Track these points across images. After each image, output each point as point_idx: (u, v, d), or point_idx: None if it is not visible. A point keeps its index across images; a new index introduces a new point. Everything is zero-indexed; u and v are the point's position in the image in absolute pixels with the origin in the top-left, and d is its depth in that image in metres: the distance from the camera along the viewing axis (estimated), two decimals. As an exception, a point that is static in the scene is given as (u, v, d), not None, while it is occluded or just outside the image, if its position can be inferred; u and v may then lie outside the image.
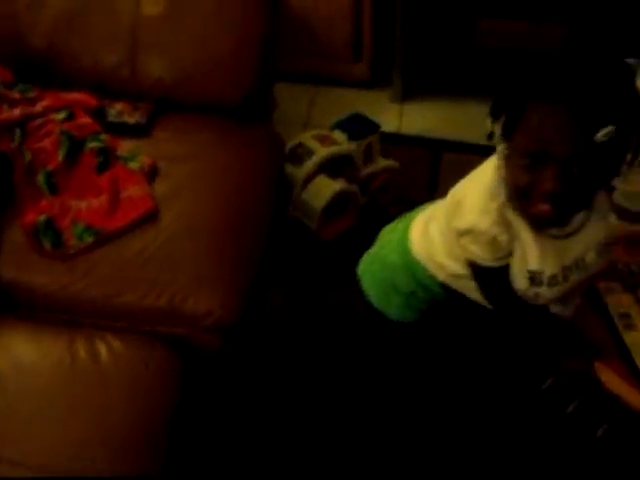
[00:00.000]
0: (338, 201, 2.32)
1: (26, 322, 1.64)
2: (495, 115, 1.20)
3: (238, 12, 2.01)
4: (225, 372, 1.75)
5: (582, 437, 1.57)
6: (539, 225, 1.27)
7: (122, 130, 2.01)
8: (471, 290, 1.44)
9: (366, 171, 2.48)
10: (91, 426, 1.43)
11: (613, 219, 1.21)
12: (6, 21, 2.07)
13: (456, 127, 2.81)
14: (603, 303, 1.53)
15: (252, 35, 2.01)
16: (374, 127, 2.46)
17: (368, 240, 1.67)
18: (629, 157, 1.20)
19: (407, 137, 2.83)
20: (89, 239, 1.73)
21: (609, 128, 1.07)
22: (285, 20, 2.85)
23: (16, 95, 1.98)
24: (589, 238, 1.35)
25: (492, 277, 1.35)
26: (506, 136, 1.19)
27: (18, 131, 1.89)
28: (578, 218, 1.32)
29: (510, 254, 1.31)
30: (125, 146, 1.95)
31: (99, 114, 2.03)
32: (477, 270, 1.36)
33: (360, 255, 1.66)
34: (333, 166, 2.36)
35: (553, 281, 1.34)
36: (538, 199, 1.17)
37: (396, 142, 2.75)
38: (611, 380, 1.44)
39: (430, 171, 2.67)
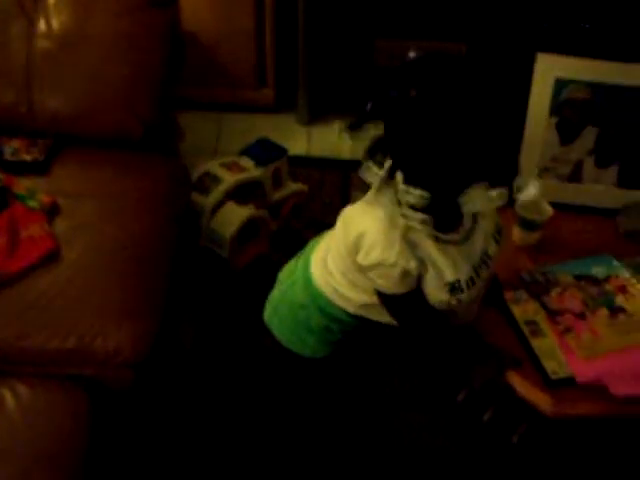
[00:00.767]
0: (248, 228, 2.31)
1: None
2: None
3: (133, 45, 1.99)
4: (139, 407, 1.71)
5: (499, 444, 1.61)
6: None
7: (19, 168, 1.95)
8: (383, 315, 1.46)
9: (276, 196, 2.47)
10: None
11: (495, 196, 1.22)
12: None
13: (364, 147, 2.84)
14: (510, 313, 1.57)
15: (148, 67, 1.99)
16: (281, 151, 2.47)
17: (282, 266, 1.66)
18: None
19: (316, 159, 2.85)
20: (-12, 282, 1.66)
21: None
22: (188, 49, 2.85)
23: None
24: (485, 232, 1.41)
25: (402, 302, 1.37)
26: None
27: None
28: (468, 217, 1.37)
29: (419, 280, 1.33)
30: (23, 184, 1.89)
31: (-5, 153, 1.97)
32: (386, 299, 1.38)
33: (274, 283, 1.65)
34: (242, 193, 2.34)
35: (470, 283, 1.38)
36: None
37: (305, 165, 2.77)
38: (520, 385, 1.47)
39: (341, 192, 2.69)
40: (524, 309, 1.58)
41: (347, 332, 1.55)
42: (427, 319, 1.40)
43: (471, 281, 1.38)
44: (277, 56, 2.98)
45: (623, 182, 1.87)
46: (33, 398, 1.50)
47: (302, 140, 2.96)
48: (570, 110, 1.82)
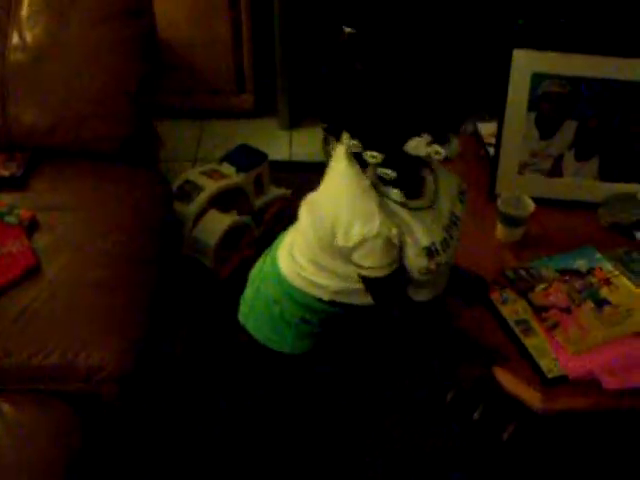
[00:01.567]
0: (232, 235, 2.29)
1: None
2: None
3: (108, 55, 1.98)
4: (128, 419, 1.69)
5: (489, 442, 1.60)
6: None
7: (-3, 183, 1.94)
8: (360, 297, 1.46)
9: (259, 202, 2.47)
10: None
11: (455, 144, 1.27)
12: None
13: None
14: (499, 313, 1.57)
15: (124, 77, 1.98)
16: (262, 157, 2.46)
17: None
18: None
19: (298, 163, 2.84)
20: (-31, 300, 1.64)
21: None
22: (166, 58, 2.84)
23: None
24: (449, 194, 1.45)
25: (388, 286, 1.39)
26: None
27: None
28: (429, 181, 1.42)
29: (399, 256, 1.35)
30: (1, 201, 1.88)
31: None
32: (371, 283, 1.39)
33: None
34: (224, 200, 2.33)
35: (445, 245, 1.41)
36: None
37: (287, 169, 2.76)
38: (509, 382, 1.47)
39: (324, 195, 2.68)
40: (512, 309, 1.58)
41: (325, 322, 1.55)
42: (408, 305, 1.42)
43: (445, 243, 1.41)
44: (255, 61, 2.98)
45: (604, 175, 1.87)
46: (17, 415, 1.48)
47: (284, 145, 2.96)
48: (548, 105, 1.82)
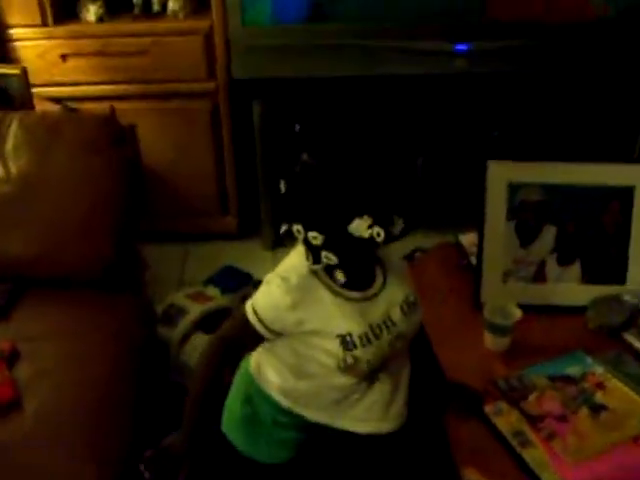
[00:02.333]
0: (219, 357, 2.26)
1: None
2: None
3: (90, 184, 2.02)
4: None
5: None
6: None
7: (-21, 317, 1.91)
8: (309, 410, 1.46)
9: (245, 322, 2.44)
10: None
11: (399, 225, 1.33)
12: None
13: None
14: (494, 426, 1.53)
15: (106, 205, 2.01)
16: (247, 278, 2.47)
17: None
18: None
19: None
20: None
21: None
22: (150, 184, 2.90)
23: None
24: (390, 297, 1.45)
25: (242, 333, 1.42)
26: None
27: None
28: (379, 281, 1.44)
29: (272, 334, 1.39)
30: (-18, 333, 1.85)
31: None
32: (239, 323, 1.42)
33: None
34: (209, 322, 2.32)
35: (364, 340, 1.39)
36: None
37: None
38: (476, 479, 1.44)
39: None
40: (507, 420, 1.54)
41: (302, 428, 1.50)
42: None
43: (366, 338, 1.39)
44: (238, 185, 3.03)
45: (587, 278, 1.88)
46: None
47: (268, 265, 2.95)
48: (526, 212, 1.86)
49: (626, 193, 1.84)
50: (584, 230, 1.87)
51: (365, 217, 1.28)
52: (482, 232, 1.85)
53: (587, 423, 1.53)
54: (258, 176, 2.93)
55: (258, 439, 1.53)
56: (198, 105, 2.85)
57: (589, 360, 1.68)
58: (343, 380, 1.41)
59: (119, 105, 2.75)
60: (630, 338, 1.76)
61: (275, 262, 3.17)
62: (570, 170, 1.84)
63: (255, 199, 3.01)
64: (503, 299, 1.78)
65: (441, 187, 2.63)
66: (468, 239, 2.05)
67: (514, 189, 1.84)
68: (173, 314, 2.26)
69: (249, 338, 1.43)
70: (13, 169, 2.03)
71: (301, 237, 1.33)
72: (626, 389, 1.61)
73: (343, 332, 1.37)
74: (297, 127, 1.37)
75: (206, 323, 2.32)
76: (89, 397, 1.68)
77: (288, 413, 1.49)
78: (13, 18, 2.68)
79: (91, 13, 2.73)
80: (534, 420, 1.53)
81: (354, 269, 1.38)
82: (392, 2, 2.52)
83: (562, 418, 1.54)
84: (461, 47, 2.57)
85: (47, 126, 2.12)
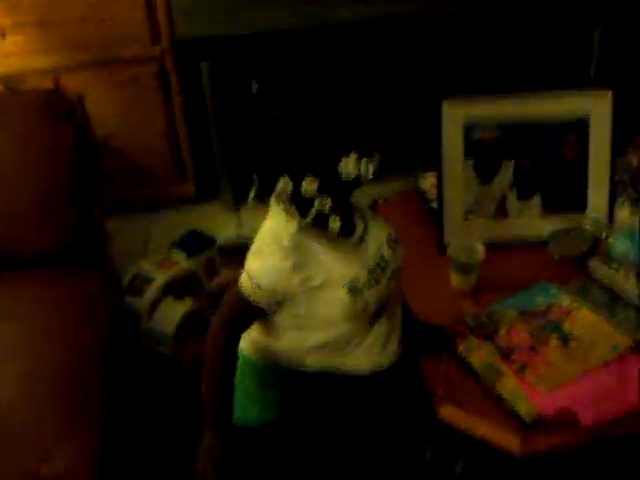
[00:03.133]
0: (189, 321, 2.26)
1: None
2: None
3: (43, 162, 1.96)
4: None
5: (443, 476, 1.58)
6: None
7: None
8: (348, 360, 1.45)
9: (213, 285, 2.44)
10: None
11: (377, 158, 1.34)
12: None
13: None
14: (466, 362, 1.55)
15: (60, 181, 1.96)
16: (210, 240, 2.45)
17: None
18: None
19: (247, 243, 2.82)
20: None
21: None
22: (105, 155, 2.84)
23: None
24: (376, 238, 1.47)
25: (238, 306, 1.39)
26: None
27: None
28: (360, 225, 1.45)
29: (274, 306, 1.38)
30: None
31: None
32: (232, 296, 1.40)
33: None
34: (177, 287, 2.31)
35: (369, 284, 1.41)
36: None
37: (237, 251, 2.73)
38: (454, 416, 1.47)
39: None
40: (479, 356, 1.56)
41: (287, 388, 1.51)
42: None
43: (369, 282, 1.41)
44: (193, 148, 2.98)
45: (547, 210, 1.89)
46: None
47: (231, 225, 2.94)
48: (484, 149, 1.85)
49: (581, 123, 1.84)
50: (542, 163, 1.87)
51: (351, 154, 1.28)
52: (441, 173, 1.85)
53: (557, 352, 1.56)
54: (213, 138, 2.89)
55: (247, 406, 1.53)
56: (145, 71, 2.77)
57: (555, 290, 1.70)
58: (349, 327, 1.42)
59: (64, 78, 2.68)
60: (594, 265, 1.78)
61: (238, 222, 3.17)
62: (524, 103, 1.83)
63: (212, 162, 2.97)
64: (466, 238, 1.79)
65: (398, 130, 2.62)
66: (428, 182, 2.04)
67: (470, 127, 1.83)
68: (139, 283, 2.24)
69: (249, 314, 1.41)
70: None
71: (289, 189, 1.29)
72: (593, 316, 1.64)
73: (349, 280, 1.38)
74: (254, 86, 1.35)
75: (174, 288, 2.31)
76: (59, 375, 1.66)
77: (276, 373, 1.49)
78: (-57, -5, 2.58)
79: (23, -17, 2.64)
80: (505, 353, 1.56)
81: (343, 214, 1.37)
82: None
83: (532, 349, 1.56)
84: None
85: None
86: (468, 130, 1.83)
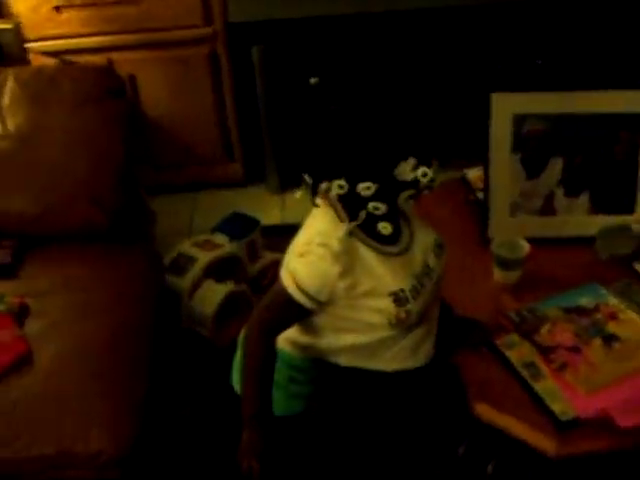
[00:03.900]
0: (230, 304, 2.27)
1: None
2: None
3: (90, 136, 2.01)
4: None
5: (474, 475, 1.56)
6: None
7: (-13, 274, 1.92)
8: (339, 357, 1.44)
9: (254, 268, 2.45)
10: None
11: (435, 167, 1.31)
12: None
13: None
14: (506, 358, 1.53)
15: (107, 157, 2.00)
16: (254, 223, 2.46)
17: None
18: None
19: (291, 226, 2.81)
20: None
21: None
22: (153, 135, 2.88)
23: None
24: (423, 245, 1.45)
25: (287, 312, 1.37)
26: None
27: None
28: (405, 232, 1.43)
29: (322, 305, 1.35)
30: (-9, 289, 1.86)
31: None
32: (279, 300, 1.36)
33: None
34: (219, 270, 2.32)
35: (414, 293, 1.39)
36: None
37: (281, 233, 2.73)
38: (521, 429, 1.43)
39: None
40: (519, 352, 1.54)
41: (314, 381, 1.51)
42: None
43: (415, 291, 1.39)
44: (241, 131, 3.00)
45: (595, 209, 1.85)
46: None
47: (275, 209, 2.96)
48: (532, 144, 1.82)
49: (635, 120, 1.79)
50: (592, 160, 1.83)
51: (410, 159, 1.26)
52: (488, 166, 1.82)
53: (599, 354, 1.52)
54: (261, 122, 2.90)
55: (274, 396, 1.50)
56: (196, 52, 2.79)
57: (602, 291, 1.67)
58: (389, 333, 1.40)
59: (117, 56, 2.71)
60: (641, 267, 1.74)
61: (282, 206, 3.18)
62: (576, 99, 1.78)
63: (260, 145, 2.98)
64: (511, 233, 1.76)
65: (446, 122, 2.59)
66: (474, 174, 2.02)
67: (519, 121, 1.80)
68: (182, 263, 2.26)
69: (290, 316, 1.39)
70: (10, 125, 2.01)
71: (343, 192, 1.27)
72: (639, 319, 1.60)
73: (395, 289, 1.36)
74: (313, 80, 1.33)
75: (216, 270, 2.32)
76: (100, 349, 1.69)
77: (305, 370, 1.49)
78: (3, -29, 2.62)
79: (82, -38, 2.67)
80: (546, 351, 1.53)
81: (393, 220, 1.36)
82: None
83: (574, 349, 1.53)
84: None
85: (43, 80, 2.10)
86: (517, 123, 1.80)
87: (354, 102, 1.28)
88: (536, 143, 1.82)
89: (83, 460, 1.53)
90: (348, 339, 1.43)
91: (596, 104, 1.79)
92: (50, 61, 2.60)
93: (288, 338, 1.47)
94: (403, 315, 1.37)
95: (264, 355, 1.40)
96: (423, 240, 1.45)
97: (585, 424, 1.40)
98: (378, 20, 2.60)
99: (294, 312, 1.36)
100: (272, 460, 1.42)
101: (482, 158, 1.82)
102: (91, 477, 1.55)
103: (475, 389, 1.50)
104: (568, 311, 1.62)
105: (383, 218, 1.32)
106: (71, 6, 2.66)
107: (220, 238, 2.38)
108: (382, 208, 1.29)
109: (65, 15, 2.67)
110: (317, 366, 1.49)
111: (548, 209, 1.86)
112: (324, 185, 1.29)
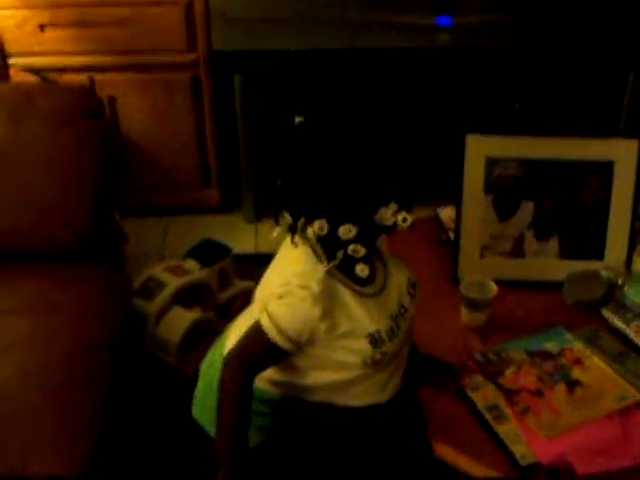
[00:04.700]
0: (196, 331, 2.25)
1: None
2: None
3: (65, 155, 1.98)
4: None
5: None
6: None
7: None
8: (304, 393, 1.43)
9: (224, 296, 2.43)
10: None
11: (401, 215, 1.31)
12: None
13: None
14: (470, 399, 1.53)
15: (80, 177, 1.97)
16: (226, 251, 2.45)
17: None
18: None
19: (264, 256, 2.81)
20: None
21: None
22: (131, 157, 2.87)
23: None
24: (397, 284, 1.45)
25: (265, 354, 1.36)
26: None
27: None
28: (380, 272, 1.43)
29: (295, 350, 1.34)
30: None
31: None
32: (257, 340, 1.35)
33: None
34: (188, 295, 2.30)
35: (390, 334, 1.39)
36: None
37: (253, 262, 2.73)
38: (449, 454, 1.45)
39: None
40: (483, 394, 1.54)
41: (278, 414, 1.49)
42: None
43: (391, 332, 1.39)
44: (220, 157, 3.00)
45: (565, 253, 1.87)
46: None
47: (250, 238, 2.95)
48: (504, 187, 1.84)
49: (605, 168, 1.82)
50: (562, 205, 1.85)
51: (391, 204, 1.27)
52: (460, 206, 1.84)
53: (562, 398, 1.53)
54: (240, 150, 2.90)
55: None
56: (178, 77, 2.80)
57: (568, 336, 1.68)
58: (363, 372, 1.40)
59: (99, 77, 2.71)
60: (607, 314, 1.75)
61: (256, 235, 3.17)
62: (548, 145, 1.82)
63: (237, 173, 2.98)
64: (480, 274, 1.77)
65: (422, 161, 2.62)
66: (447, 213, 2.03)
67: (492, 163, 1.82)
68: (151, 287, 2.24)
69: (269, 358, 1.38)
70: (-15, 140, 1.99)
71: (323, 233, 1.27)
72: (603, 366, 1.61)
73: (372, 330, 1.36)
74: (297, 120, 1.33)
75: (185, 296, 2.30)
76: (57, 370, 1.65)
77: (268, 402, 1.47)
78: (-12, -14, 2.62)
79: (69, -19, 2.68)
80: (510, 394, 1.53)
81: (370, 261, 1.36)
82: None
83: (538, 393, 1.54)
84: (444, 20, 2.54)
85: (21, 97, 2.08)
86: (490, 166, 1.82)
87: (337, 144, 1.29)
88: (508, 186, 1.84)
89: (36, 482, 1.50)
90: (321, 377, 1.42)
91: (568, 150, 1.82)
92: (31, 78, 2.60)
93: (261, 375, 1.44)
94: (378, 356, 1.37)
95: (242, 397, 1.38)
96: (398, 280, 1.45)
97: (545, 469, 1.40)
98: (361, 56, 2.63)
99: (274, 354, 1.35)
100: None
101: (455, 198, 1.84)
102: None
103: (437, 429, 1.49)
104: (533, 355, 1.63)
105: (361, 260, 1.32)
106: (56, 24, 2.66)
107: (191, 264, 2.36)
108: (362, 251, 1.29)
109: (49, 33, 2.67)
110: (282, 398, 1.48)
111: (518, 251, 1.87)
112: (303, 225, 1.29)
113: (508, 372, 1.59)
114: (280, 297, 1.33)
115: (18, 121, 2.01)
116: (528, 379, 1.57)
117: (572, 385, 1.56)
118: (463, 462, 1.44)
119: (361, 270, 1.32)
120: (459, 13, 2.53)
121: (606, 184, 1.83)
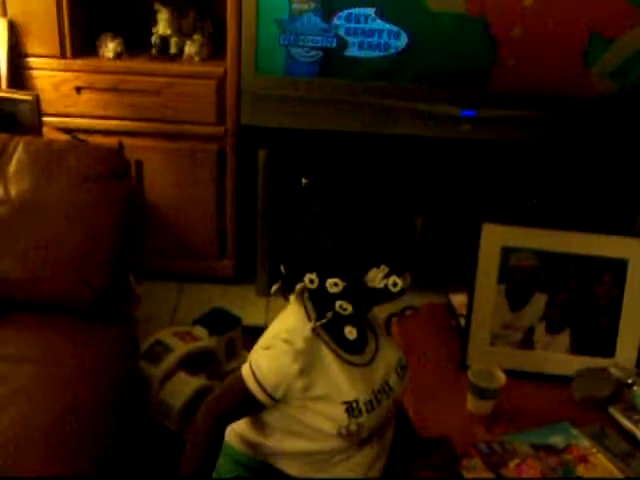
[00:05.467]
0: (199, 398, 2.23)
1: None
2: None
3: (87, 214, 2.02)
4: None
5: None
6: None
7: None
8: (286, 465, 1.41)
9: (231, 365, 2.42)
10: None
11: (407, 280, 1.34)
12: None
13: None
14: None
15: (101, 236, 2.00)
16: (235, 321, 2.46)
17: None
18: None
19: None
20: None
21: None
22: (150, 220, 2.91)
23: None
24: (387, 361, 1.45)
25: (241, 403, 1.36)
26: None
27: None
28: (372, 345, 1.42)
29: (276, 402, 1.34)
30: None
31: None
32: (235, 389, 1.37)
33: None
34: (194, 362, 2.30)
35: (369, 407, 1.37)
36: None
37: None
38: None
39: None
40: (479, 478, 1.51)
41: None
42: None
43: (370, 405, 1.38)
44: (237, 228, 3.04)
45: (575, 348, 1.86)
46: None
47: (261, 311, 2.95)
48: (518, 277, 1.85)
49: (620, 266, 1.84)
50: (575, 300, 1.86)
51: (382, 267, 1.29)
52: (472, 294, 1.84)
53: (563, 497, 1.50)
54: (258, 222, 2.94)
55: None
56: (205, 147, 2.87)
57: (574, 432, 1.65)
58: (338, 444, 1.38)
59: (128, 141, 2.78)
60: (615, 413, 1.73)
61: (268, 309, 3.17)
62: (565, 238, 1.84)
63: (253, 245, 3.01)
64: (489, 363, 1.76)
65: (437, 247, 2.64)
66: (459, 300, 2.03)
67: (507, 253, 1.84)
68: (158, 351, 2.24)
69: (242, 407, 1.38)
70: (13, 191, 2.03)
71: (313, 287, 1.30)
72: (609, 465, 1.58)
73: (350, 399, 1.36)
74: (304, 181, 1.38)
75: (191, 362, 2.30)
76: (57, 423, 1.64)
77: (252, 470, 1.45)
78: (32, 47, 2.72)
79: (109, 49, 2.79)
80: (510, 487, 1.51)
81: (360, 327, 1.37)
82: (404, 64, 2.56)
83: (539, 488, 1.51)
84: (467, 113, 2.61)
85: (52, 153, 2.13)
86: (505, 255, 1.84)
87: (335, 204, 1.33)
88: (522, 277, 1.85)
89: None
90: (296, 444, 1.40)
91: (584, 245, 1.83)
92: (62, 136, 2.67)
93: (236, 432, 1.44)
94: (354, 427, 1.35)
95: (209, 442, 1.38)
96: (388, 357, 1.45)
97: None
98: (381, 141, 2.69)
99: (247, 403, 1.36)
100: None
101: (468, 285, 1.85)
102: None
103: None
104: (538, 448, 1.61)
105: (349, 321, 1.33)
106: (92, 88, 2.76)
107: (200, 331, 2.37)
108: (349, 309, 1.30)
109: (85, 96, 2.77)
110: (266, 473, 1.45)
111: (528, 343, 1.87)
112: (297, 284, 1.33)
113: (511, 464, 1.56)
114: (265, 348, 1.36)
115: (47, 176, 2.06)
116: (531, 473, 1.54)
117: (575, 483, 1.53)
118: None
119: (349, 332, 1.34)
120: (482, 106, 2.60)
121: (619, 282, 1.84)
